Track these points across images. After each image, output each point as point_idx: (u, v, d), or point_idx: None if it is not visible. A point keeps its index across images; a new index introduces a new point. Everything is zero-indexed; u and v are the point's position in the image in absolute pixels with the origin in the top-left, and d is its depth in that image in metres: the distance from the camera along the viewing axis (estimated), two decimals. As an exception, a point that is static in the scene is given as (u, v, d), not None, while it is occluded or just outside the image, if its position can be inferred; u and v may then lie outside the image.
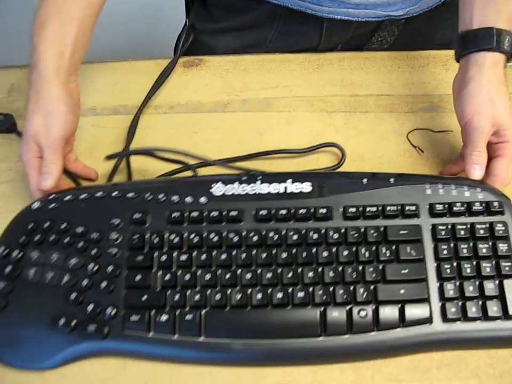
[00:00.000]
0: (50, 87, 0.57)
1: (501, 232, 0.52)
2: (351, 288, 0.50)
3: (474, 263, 0.51)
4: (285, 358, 0.50)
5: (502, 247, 0.52)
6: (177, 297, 0.51)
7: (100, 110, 0.69)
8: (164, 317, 0.50)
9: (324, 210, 0.53)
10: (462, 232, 0.52)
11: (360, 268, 0.51)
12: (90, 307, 0.51)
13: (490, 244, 0.52)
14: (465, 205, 0.54)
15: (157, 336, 0.50)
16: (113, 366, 0.51)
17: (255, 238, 0.53)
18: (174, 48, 0.79)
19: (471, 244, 0.52)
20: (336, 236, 0.52)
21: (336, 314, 0.49)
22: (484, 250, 0.52)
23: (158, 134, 0.67)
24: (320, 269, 0.51)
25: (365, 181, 0.55)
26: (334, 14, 0.70)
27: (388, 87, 0.69)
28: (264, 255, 0.52)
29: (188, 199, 0.55)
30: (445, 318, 0.49)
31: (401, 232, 0.52)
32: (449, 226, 0.53)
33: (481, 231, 0.52)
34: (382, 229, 0.53)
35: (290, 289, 0.51)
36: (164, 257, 0.52)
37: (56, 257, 0.53)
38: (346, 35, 0.75)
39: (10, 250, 0.54)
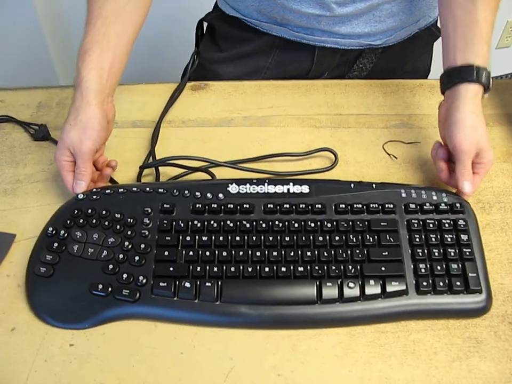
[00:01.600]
0: (89, 106, 0.67)
1: (462, 226, 0.64)
2: (342, 266, 0.61)
3: (441, 249, 0.62)
4: (286, 322, 0.60)
5: (463, 237, 0.63)
6: (198, 269, 0.61)
7: (120, 123, 0.80)
8: (187, 284, 0.60)
9: (319, 206, 0.65)
10: (431, 226, 0.64)
11: (349, 250, 0.62)
12: (124, 276, 0.61)
13: (454, 235, 0.63)
14: (433, 205, 0.65)
15: (180, 301, 0.60)
16: (146, 326, 0.60)
17: (264, 225, 0.63)
18: (182, 74, 0.91)
19: (438, 235, 0.63)
20: (329, 225, 0.63)
21: (330, 285, 0.60)
22: (449, 240, 0.63)
23: (173, 144, 0.79)
24: (316, 251, 0.62)
25: (352, 185, 0.67)
26: (325, 43, 0.84)
27: (365, 108, 0.83)
28: (271, 238, 0.63)
29: (209, 195, 0.66)
30: (418, 291, 0.60)
31: (382, 223, 0.64)
32: (421, 221, 0.64)
33: (447, 225, 0.64)
34: (366, 221, 0.64)
35: (292, 266, 0.61)
36: (188, 238, 0.63)
37: (97, 237, 0.64)
38: (333, 61, 0.89)
39: (57, 230, 0.64)
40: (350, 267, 0.61)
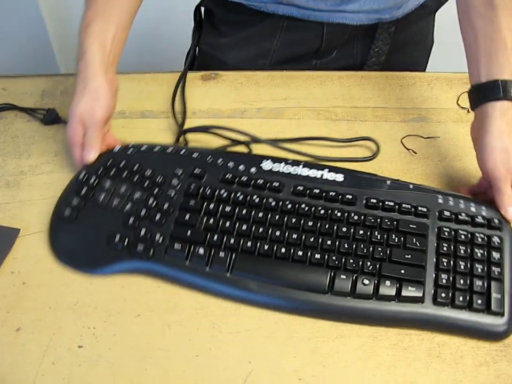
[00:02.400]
0: (95, 75, 0.67)
1: (496, 243, 0.59)
2: (360, 260, 0.58)
3: (469, 263, 0.58)
4: (293, 306, 0.58)
5: (495, 255, 0.59)
6: (215, 237, 0.60)
7: (128, 113, 0.77)
8: (201, 250, 0.59)
9: (349, 197, 0.62)
10: (463, 237, 0.60)
11: (371, 247, 0.59)
12: (142, 231, 0.61)
13: (485, 251, 0.59)
14: (469, 217, 0.61)
15: (192, 266, 0.60)
16: (159, 327, 0.57)
17: (289, 206, 0.61)
18: (185, 62, 0.88)
19: (469, 248, 0.59)
20: (356, 217, 0.60)
21: (344, 277, 0.57)
22: (479, 255, 0.59)
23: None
24: (337, 241, 0.59)
25: (388, 182, 0.64)
26: (333, 18, 0.81)
27: (382, 101, 0.80)
28: (293, 220, 0.61)
29: (241, 167, 0.65)
30: (435, 301, 0.56)
31: (411, 225, 0.60)
32: (453, 231, 0.60)
33: (480, 239, 0.60)
34: (395, 221, 0.61)
35: (309, 251, 0.59)
36: (211, 206, 0.62)
37: (124, 189, 0.65)
38: (342, 37, 0.86)
39: (89, 177, 0.66)
40: (369, 263, 0.58)
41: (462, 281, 0.57)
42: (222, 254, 0.59)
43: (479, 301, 0.56)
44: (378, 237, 0.60)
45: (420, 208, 0.61)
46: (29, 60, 1.23)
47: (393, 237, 0.60)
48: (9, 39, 1.32)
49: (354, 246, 0.59)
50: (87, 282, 0.60)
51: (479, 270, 0.58)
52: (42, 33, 1.34)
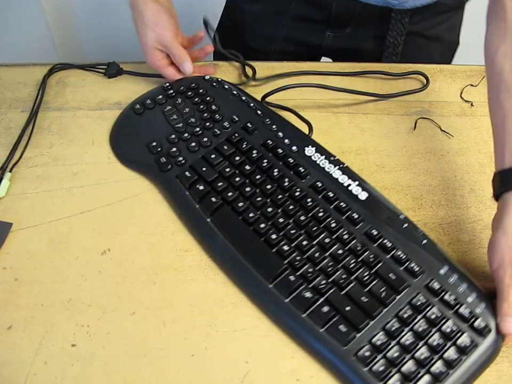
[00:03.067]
0: (147, 5, 0.73)
1: (463, 344, 0.52)
2: (318, 273, 0.56)
3: (419, 342, 0.52)
4: (237, 274, 0.59)
5: (453, 355, 0.51)
6: (220, 184, 0.63)
7: (124, 104, 0.75)
8: (201, 187, 0.63)
9: (356, 216, 0.59)
10: (433, 316, 0.53)
11: (339, 270, 0.56)
12: (174, 149, 0.68)
13: (447, 344, 0.52)
14: (457, 302, 0.54)
15: (188, 195, 0.64)
16: (154, 325, 0.56)
17: (297, 193, 0.62)
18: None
19: (430, 329, 0.52)
20: (346, 236, 0.58)
21: (291, 279, 0.56)
22: (435, 343, 0.52)
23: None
24: (313, 249, 0.58)
25: (405, 225, 0.59)
26: None
27: (384, 94, 0.78)
28: (290, 207, 0.61)
29: (286, 141, 0.67)
30: (356, 355, 0.52)
31: (391, 274, 0.55)
32: (428, 304, 0.54)
33: (448, 329, 0.52)
34: (380, 260, 0.56)
35: (284, 242, 0.58)
36: (237, 158, 0.65)
37: (187, 110, 0.72)
38: (353, 14, 0.85)
39: (169, 89, 0.75)
40: (323, 282, 0.55)
41: (395, 355, 0.51)
42: (213, 198, 0.62)
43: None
44: (351, 265, 0.56)
45: (413, 264, 0.56)
46: (29, 51, 1.20)
47: (366, 274, 0.56)
48: (8, 31, 1.29)
49: (324, 257, 0.57)
50: (81, 279, 0.59)
51: (423, 357, 0.51)
52: (42, 24, 1.31)
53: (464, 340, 0.52)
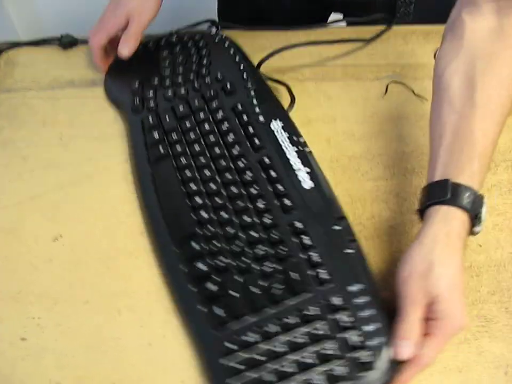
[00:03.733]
0: None
1: (337, 373, 0.45)
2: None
3: (289, 354, 0.46)
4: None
5: (317, 380, 0.45)
6: (174, 136, 0.61)
7: (77, 82, 0.71)
8: (156, 135, 0.62)
9: (289, 203, 0.54)
10: (318, 333, 0.47)
11: (245, 256, 0.52)
12: (151, 93, 0.67)
13: (317, 366, 0.45)
14: (351, 327, 0.47)
15: (146, 138, 0.62)
16: (108, 313, 0.52)
17: (242, 165, 0.58)
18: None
19: (308, 346, 0.46)
20: (269, 223, 0.53)
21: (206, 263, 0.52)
22: (306, 360, 0.45)
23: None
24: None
25: (336, 228, 0.53)
26: None
27: (353, 58, 0.73)
28: (229, 177, 0.57)
29: (257, 109, 0.62)
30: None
31: (296, 274, 0.50)
32: (319, 317, 0.48)
33: (328, 352, 0.46)
34: (292, 256, 0.51)
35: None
36: (202, 115, 0.63)
37: (179, 58, 0.71)
38: None
39: (175, 37, 0.73)
40: (225, 261, 0.52)
41: (257, 358, 0.46)
42: (161, 148, 0.60)
43: None
44: (261, 253, 0.51)
45: (324, 270, 0.50)
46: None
47: (271, 266, 0.51)
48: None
49: (237, 236, 0.53)
50: (31, 268, 0.55)
51: (285, 370, 0.45)
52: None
53: (339, 369, 0.45)
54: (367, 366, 0.45)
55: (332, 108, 0.68)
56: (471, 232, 0.50)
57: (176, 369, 0.49)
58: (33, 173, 0.63)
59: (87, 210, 0.59)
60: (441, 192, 0.49)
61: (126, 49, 0.68)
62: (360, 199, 0.60)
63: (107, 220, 0.59)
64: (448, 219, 0.48)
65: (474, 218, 0.49)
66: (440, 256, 0.46)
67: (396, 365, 0.45)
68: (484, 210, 0.49)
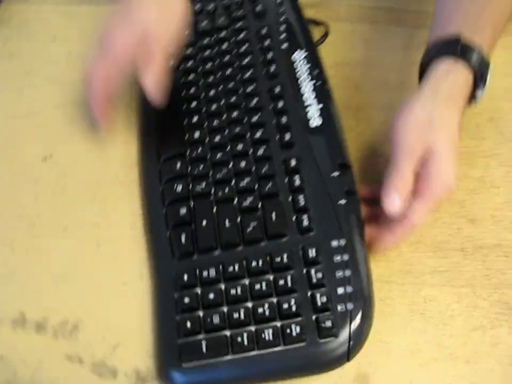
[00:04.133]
0: None
1: (290, 331, 0.40)
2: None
3: (245, 302, 0.42)
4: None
5: (268, 335, 0.40)
6: (190, 51, 0.55)
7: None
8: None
9: (289, 139, 0.48)
10: (281, 283, 0.42)
11: (227, 185, 0.47)
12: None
13: (271, 320, 0.41)
14: (319, 285, 0.42)
15: None
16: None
17: (250, 89, 0.52)
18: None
19: (266, 296, 0.42)
20: (262, 154, 0.48)
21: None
22: (259, 310, 0.41)
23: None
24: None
25: (335, 174, 0.46)
26: None
27: (397, 2, 0.65)
28: (234, 98, 0.52)
29: (283, 36, 0.56)
30: None
31: (276, 214, 0.45)
32: (288, 267, 0.43)
33: (286, 306, 0.41)
34: (277, 194, 0.46)
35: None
36: (223, 34, 0.57)
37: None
38: None
39: None
40: (206, 189, 0.47)
41: (211, 297, 0.42)
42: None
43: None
44: (245, 184, 0.46)
45: (307, 216, 0.44)
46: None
47: (251, 200, 0.45)
48: None
49: (226, 161, 0.48)
50: (14, 188, 0.52)
51: (236, 317, 0.41)
52: None
53: (294, 328, 0.40)
54: (325, 332, 0.40)
55: (367, 52, 0.60)
56: (472, 96, 0.47)
57: (148, 314, 0.44)
58: (34, 89, 0.58)
59: (83, 133, 0.54)
60: (449, 47, 0.46)
61: (153, 80, 0.45)
62: (383, 155, 0.52)
63: (102, 145, 0.54)
64: (453, 73, 0.46)
65: (479, 79, 0.46)
66: (442, 108, 0.44)
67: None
68: (489, 75, 0.47)
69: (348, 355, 0.40)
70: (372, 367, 0.43)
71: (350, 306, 0.41)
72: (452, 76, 0.46)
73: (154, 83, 0.45)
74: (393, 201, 0.42)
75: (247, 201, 0.45)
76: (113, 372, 0.43)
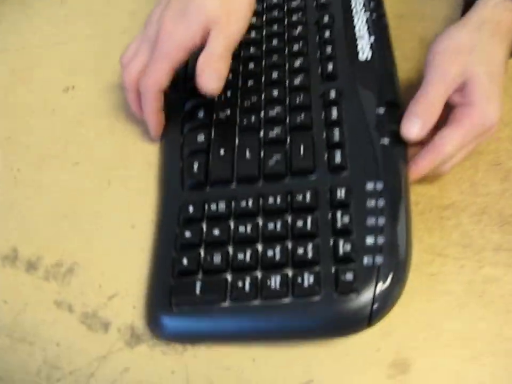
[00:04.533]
0: None
1: (305, 283, 0.33)
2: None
3: (255, 243, 0.35)
4: None
5: (277, 285, 0.33)
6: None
7: None
8: None
9: (332, 70, 0.42)
10: (299, 226, 0.35)
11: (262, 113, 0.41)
12: None
13: (284, 266, 0.34)
14: (345, 232, 0.34)
15: None
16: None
17: (295, 18, 0.46)
18: None
19: (282, 239, 0.35)
20: (299, 83, 0.42)
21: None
22: (269, 254, 0.34)
23: None
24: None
25: (380, 111, 0.39)
26: None
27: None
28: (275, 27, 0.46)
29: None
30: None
31: (306, 148, 0.38)
32: (312, 207, 0.36)
33: (301, 252, 0.34)
34: (311, 126, 0.40)
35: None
36: None
37: None
38: None
39: None
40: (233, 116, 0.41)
41: (216, 234, 0.35)
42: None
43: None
44: (275, 114, 0.40)
45: (342, 153, 0.37)
46: None
47: (281, 130, 0.39)
48: None
49: (258, 89, 0.42)
50: (30, 116, 0.47)
51: (241, 260, 0.34)
52: None
53: (307, 276, 0.33)
54: (344, 286, 0.32)
55: (436, 6, 0.53)
56: None
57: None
58: (67, 19, 0.55)
59: (110, 67, 0.49)
60: None
61: (213, 81, 0.38)
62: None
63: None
64: (502, 9, 0.40)
65: None
66: (487, 38, 0.38)
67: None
68: None
69: (369, 319, 0.32)
70: (414, 354, 0.35)
71: (379, 260, 0.33)
72: (501, 13, 0.40)
73: (214, 84, 0.38)
74: (411, 127, 0.36)
75: (274, 132, 0.39)
76: (105, 324, 0.37)
